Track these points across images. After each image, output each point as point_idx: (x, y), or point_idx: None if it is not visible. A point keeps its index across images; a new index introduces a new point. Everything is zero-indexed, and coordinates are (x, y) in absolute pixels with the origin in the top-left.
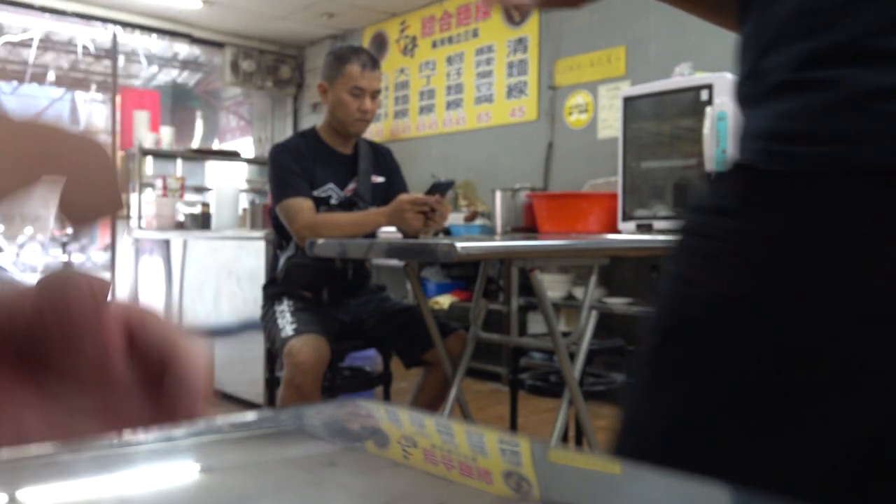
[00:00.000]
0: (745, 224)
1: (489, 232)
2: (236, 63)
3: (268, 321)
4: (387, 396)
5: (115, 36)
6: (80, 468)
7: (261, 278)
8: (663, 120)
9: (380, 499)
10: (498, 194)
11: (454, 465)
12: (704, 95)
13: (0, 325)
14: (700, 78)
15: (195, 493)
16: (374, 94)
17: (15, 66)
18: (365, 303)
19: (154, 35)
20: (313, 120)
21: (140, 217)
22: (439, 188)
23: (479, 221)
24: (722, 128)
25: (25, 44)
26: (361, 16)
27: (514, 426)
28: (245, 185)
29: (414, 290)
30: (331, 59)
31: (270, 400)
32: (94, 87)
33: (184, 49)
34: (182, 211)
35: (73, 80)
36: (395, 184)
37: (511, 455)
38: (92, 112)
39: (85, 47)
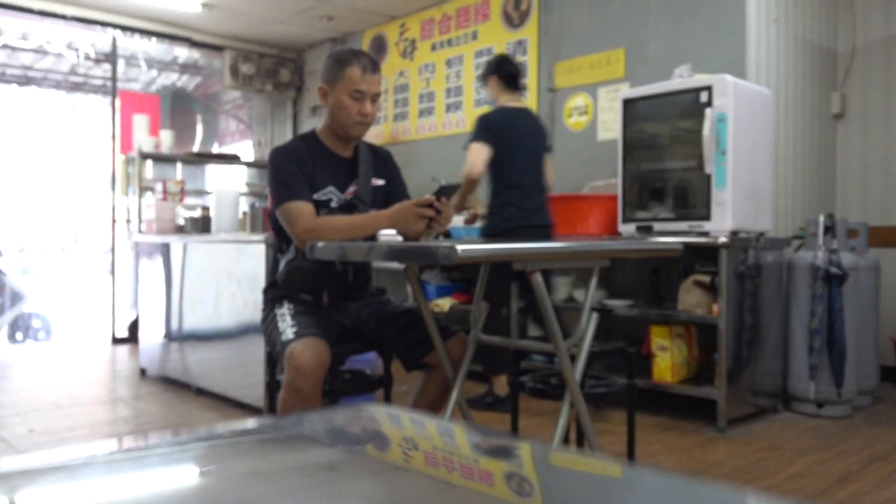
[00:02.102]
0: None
1: None
2: (236, 66)
3: (268, 324)
4: (387, 399)
5: (114, 40)
6: (85, 473)
7: (261, 281)
8: (663, 122)
9: (381, 502)
10: None
11: (455, 468)
12: (704, 97)
13: None
14: (699, 79)
15: (201, 498)
16: (375, 98)
17: (14, 70)
18: (365, 306)
19: (153, 39)
20: (313, 123)
21: (140, 221)
22: (444, 192)
23: (479, 224)
24: (722, 129)
25: (25, 48)
26: (361, 19)
27: (515, 429)
28: (245, 189)
29: (414, 292)
30: (331, 62)
31: (271, 403)
32: (93, 91)
33: (183, 53)
34: (182, 214)
35: (72, 84)
36: (396, 186)
37: (512, 457)
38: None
39: (85, 51)
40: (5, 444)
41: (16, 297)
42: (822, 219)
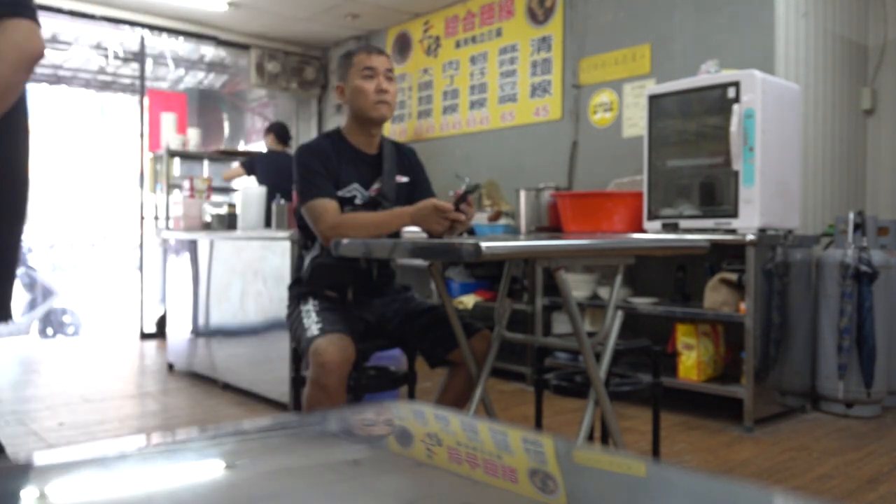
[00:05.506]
0: None
1: (513, 231)
2: (261, 65)
3: (293, 321)
4: (411, 396)
5: (142, 39)
6: (114, 467)
7: (286, 278)
8: (689, 118)
9: (405, 497)
10: (522, 194)
11: (479, 464)
12: (731, 93)
13: None
14: (727, 75)
15: (227, 494)
16: (388, 74)
17: (45, 69)
18: (390, 302)
19: (181, 38)
20: (338, 121)
21: (168, 218)
22: (471, 193)
23: (503, 221)
24: (749, 125)
25: (55, 47)
26: (385, 16)
27: (538, 426)
28: None
29: (438, 289)
30: (340, 60)
31: (296, 399)
32: (122, 89)
33: (210, 51)
34: (209, 212)
35: (101, 83)
36: (420, 183)
37: (536, 454)
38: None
39: (113, 51)
40: (36, 437)
41: (46, 293)
42: (851, 216)
